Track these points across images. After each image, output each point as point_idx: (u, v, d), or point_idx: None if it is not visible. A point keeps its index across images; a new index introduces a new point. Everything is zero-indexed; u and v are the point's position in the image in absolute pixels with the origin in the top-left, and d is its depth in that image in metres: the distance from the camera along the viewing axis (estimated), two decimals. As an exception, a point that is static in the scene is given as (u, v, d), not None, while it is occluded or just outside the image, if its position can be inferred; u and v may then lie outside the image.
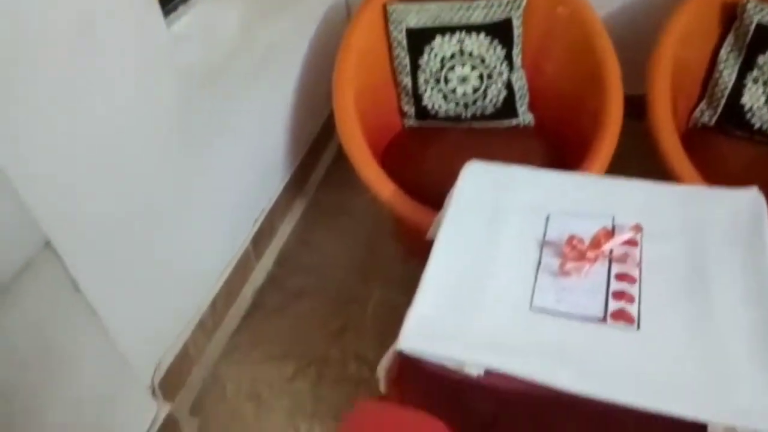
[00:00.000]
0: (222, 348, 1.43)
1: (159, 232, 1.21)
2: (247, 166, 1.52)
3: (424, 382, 0.86)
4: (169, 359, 1.30)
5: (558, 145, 1.46)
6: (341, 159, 1.69)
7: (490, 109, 1.51)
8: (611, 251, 0.87)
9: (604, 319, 0.79)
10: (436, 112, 1.53)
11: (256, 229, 1.59)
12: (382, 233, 1.68)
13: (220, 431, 1.27)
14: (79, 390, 0.97)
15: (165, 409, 1.21)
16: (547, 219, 0.96)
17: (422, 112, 1.54)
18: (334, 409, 1.27)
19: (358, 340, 1.40)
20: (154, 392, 1.24)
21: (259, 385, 1.35)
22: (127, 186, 1.09)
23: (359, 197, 1.73)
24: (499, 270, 0.90)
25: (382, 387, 0.96)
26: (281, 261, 1.64)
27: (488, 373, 0.77)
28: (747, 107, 1.34)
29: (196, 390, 1.35)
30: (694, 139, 1.38)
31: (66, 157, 0.94)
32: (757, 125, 1.34)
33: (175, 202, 1.25)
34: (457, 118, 1.53)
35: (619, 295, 0.82)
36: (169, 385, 1.29)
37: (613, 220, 0.92)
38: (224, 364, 1.40)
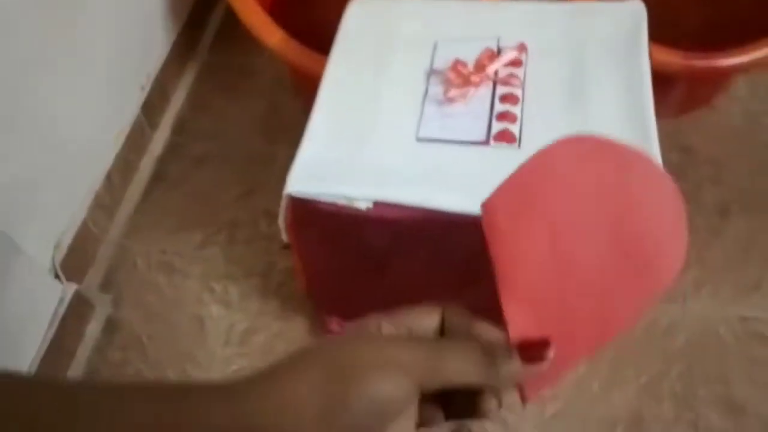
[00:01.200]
0: (127, 223, 1.38)
1: (24, 98, 1.09)
2: (120, 23, 1.37)
3: (319, 224, 0.86)
4: (68, 240, 1.24)
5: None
6: (234, 15, 1.55)
7: (381, -60, 1.38)
8: (496, 73, 0.85)
9: (487, 141, 0.79)
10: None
11: (144, 96, 1.47)
12: (284, 90, 1.60)
13: (135, 304, 1.26)
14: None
15: (71, 289, 1.18)
16: (435, 47, 0.92)
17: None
18: (248, 267, 1.28)
19: (266, 199, 1.38)
20: (56, 275, 1.20)
21: (169, 256, 1.32)
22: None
23: (257, 55, 1.62)
24: (386, 104, 0.87)
25: (284, 235, 0.95)
26: (179, 129, 1.55)
27: (378, 205, 0.77)
28: None
29: (104, 268, 1.31)
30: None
31: None
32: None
33: (40, 62, 1.11)
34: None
35: (503, 116, 0.81)
36: (72, 266, 1.24)
37: (498, 41, 0.89)
38: (131, 240, 1.35)
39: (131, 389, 0.27)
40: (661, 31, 1.10)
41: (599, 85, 0.82)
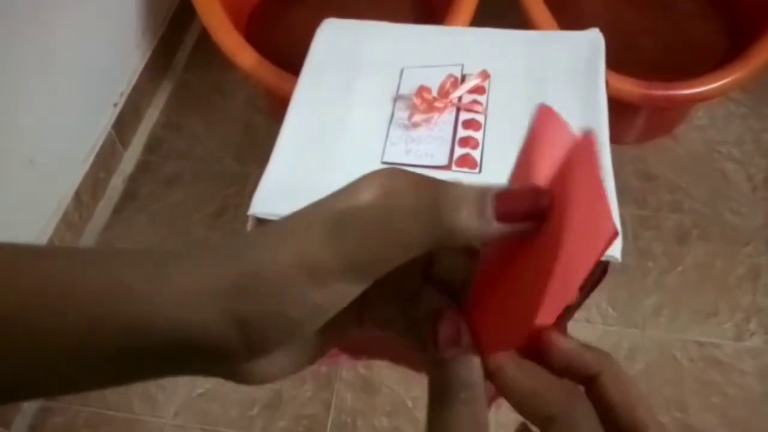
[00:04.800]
0: (95, 243, 1.37)
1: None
2: (94, 39, 1.37)
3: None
4: (33, 258, 1.22)
5: (428, 1, 1.41)
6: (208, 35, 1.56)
7: (355, -34, 1.42)
8: (459, 99, 0.87)
9: (449, 166, 0.80)
10: (299, -28, 1.42)
11: (116, 113, 1.47)
12: (258, 109, 1.61)
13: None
14: None
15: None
16: (401, 73, 0.94)
17: (284, -28, 1.43)
18: (216, 288, 1.27)
19: (237, 220, 1.38)
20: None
21: (138, 274, 1.31)
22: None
23: (232, 74, 1.63)
24: (353, 128, 0.88)
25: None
26: (152, 148, 1.55)
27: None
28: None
29: (70, 286, 1.30)
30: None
31: None
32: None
33: (9, 76, 1.11)
34: (323, -22, 1.43)
35: (465, 141, 0.82)
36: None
37: (462, 68, 0.91)
38: (98, 258, 1.34)
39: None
40: (621, 61, 1.15)
41: (559, 108, 0.84)
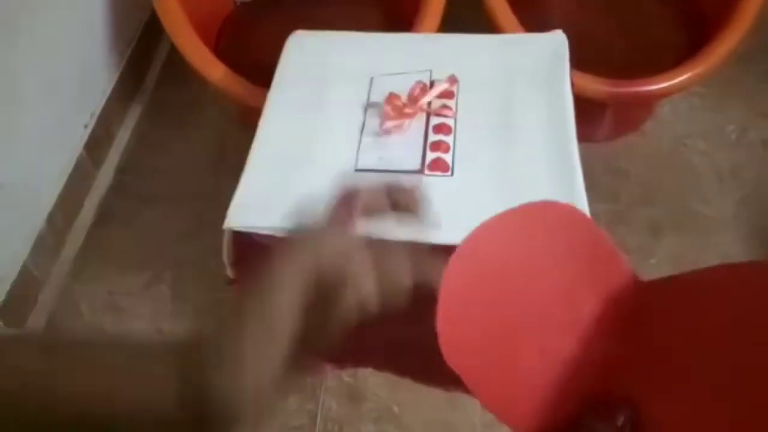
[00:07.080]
0: (70, 265, 1.35)
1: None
2: (60, 60, 1.36)
3: (261, 257, 0.86)
4: (7, 283, 1.21)
5: (396, 9, 1.43)
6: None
7: (323, -23, 1.43)
8: (429, 105, 0.88)
9: (422, 170, 0.81)
10: (266, -18, 1.43)
11: (87, 135, 1.46)
12: (232, 124, 1.61)
13: (80, 346, 1.22)
14: None
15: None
16: (371, 81, 0.95)
17: (251, -15, 1.44)
18: (196, 305, 1.26)
19: (214, 235, 1.36)
20: (-6, 320, 1.16)
21: (116, 296, 1.30)
22: None
23: (204, 90, 1.63)
24: (325, 137, 0.89)
25: (229, 271, 0.95)
26: (125, 167, 1.53)
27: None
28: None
29: (46, 313, 1.28)
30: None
31: None
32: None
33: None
34: (290, -12, 1.44)
35: (436, 145, 0.84)
36: (13, 311, 1.21)
37: (431, 74, 0.93)
38: (76, 282, 1.32)
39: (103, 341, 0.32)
40: (589, 61, 1.17)
41: (525, 113, 0.86)
